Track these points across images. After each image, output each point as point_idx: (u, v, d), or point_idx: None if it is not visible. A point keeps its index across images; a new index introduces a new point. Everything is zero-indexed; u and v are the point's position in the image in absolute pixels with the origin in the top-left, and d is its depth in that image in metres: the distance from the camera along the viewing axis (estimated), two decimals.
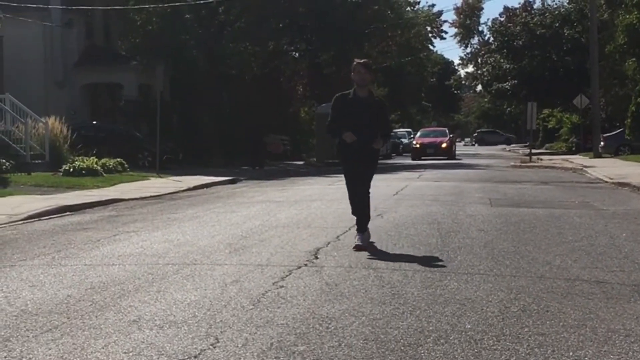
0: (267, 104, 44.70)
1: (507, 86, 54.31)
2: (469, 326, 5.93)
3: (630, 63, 40.00)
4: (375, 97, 10.28)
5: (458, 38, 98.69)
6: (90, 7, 37.48)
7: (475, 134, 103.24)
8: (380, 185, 19.73)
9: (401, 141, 62.97)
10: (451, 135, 51.76)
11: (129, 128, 35.84)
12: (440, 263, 8.64)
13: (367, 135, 9.81)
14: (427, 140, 49.06)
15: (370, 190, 10.22)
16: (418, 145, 48.40)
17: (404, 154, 58.06)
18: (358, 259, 8.88)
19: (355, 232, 10.00)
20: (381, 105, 10.33)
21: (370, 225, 10.11)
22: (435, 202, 15.97)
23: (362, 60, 10.07)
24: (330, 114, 10.07)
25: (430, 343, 5.51)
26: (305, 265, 8.57)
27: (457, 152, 51.42)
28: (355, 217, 10.15)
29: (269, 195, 19.06)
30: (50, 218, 14.55)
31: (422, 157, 46.42)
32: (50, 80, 37.58)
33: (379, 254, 9.27)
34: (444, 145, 47.64)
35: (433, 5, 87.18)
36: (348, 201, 10.39)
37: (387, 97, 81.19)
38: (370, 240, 10.02)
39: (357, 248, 9.50)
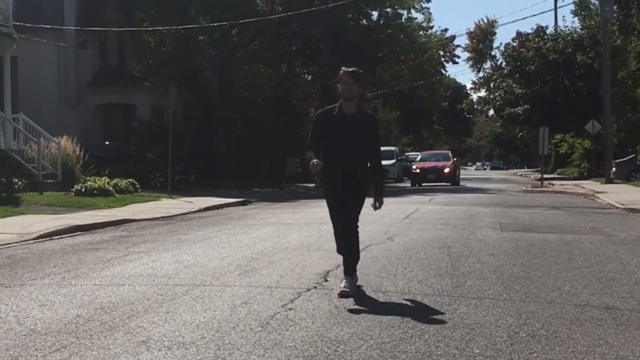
0: (279, 126, 44.77)
1: (519, 111, 54.24)
2: (477, 351, 5.91)
3: None
4: (365, 113, 8.57)
5: (471, 62, 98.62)
6: (104, 29, 37.77)
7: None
8: (392, 209, 19.75)
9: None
10: (454, 159, 46.83)
11: (141, 149, 35.98)
12: (449, 287, 8.61)
13: (355, 160, 8.41)
14: (427, 164, 44.70)
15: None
16: (418, 170, 43.85)
17: None
18: (367, 282, 8.84)
19: (343, 274, 8.45)
20: (372, 122, 8.61)
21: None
22: (446, 226, 15.95)
23: (350, 69, 8.45)
24: (309, 134, 8.57)
25: None
26: (315, 287, 8.56)
27: (466, 177, 50.46)
28: (342, 256, 8.61)
29: (280, 217, 19.08)
30: (62, 237, 14.59)
31: (423, 184, 42.67)
32: (63, 101, 37.82)
33: (388, 278, 9.25)
34: (446, 170, 43.36)
35: (446, 30, 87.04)
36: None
37: (399, 120, 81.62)
38: (358, 283, 8.51)
39: (342, 294, 7.96)
